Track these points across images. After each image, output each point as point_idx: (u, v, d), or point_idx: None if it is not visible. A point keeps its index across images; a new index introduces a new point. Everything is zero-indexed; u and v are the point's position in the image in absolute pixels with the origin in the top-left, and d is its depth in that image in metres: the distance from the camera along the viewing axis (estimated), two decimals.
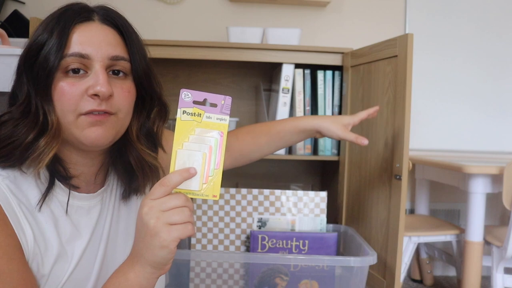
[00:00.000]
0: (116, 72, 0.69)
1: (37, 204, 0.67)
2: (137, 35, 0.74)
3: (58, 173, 0.70)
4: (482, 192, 1.73)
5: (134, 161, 0.76)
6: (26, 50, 0.68)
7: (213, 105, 0.65)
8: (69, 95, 0.65)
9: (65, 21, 0.66)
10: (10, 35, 1.43)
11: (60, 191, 0.70)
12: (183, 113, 0.63)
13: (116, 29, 0.71)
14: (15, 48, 1.22)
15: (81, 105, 0.65)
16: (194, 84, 2.03)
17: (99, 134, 0.67)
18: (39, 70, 0.65)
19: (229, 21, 2.09)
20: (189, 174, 0.61)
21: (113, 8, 0.73)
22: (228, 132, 0.90)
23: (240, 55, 1.69)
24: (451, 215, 2.28)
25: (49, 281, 0.68)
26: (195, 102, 0.64)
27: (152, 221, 0.59)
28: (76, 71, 0.66)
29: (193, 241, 1.35)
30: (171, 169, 0.62)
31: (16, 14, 1.85)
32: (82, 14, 0.68)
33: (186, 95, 0.63)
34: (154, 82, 0.76)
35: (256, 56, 1.69)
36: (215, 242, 1.35)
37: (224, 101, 0.65)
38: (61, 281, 0.69)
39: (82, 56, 0.65)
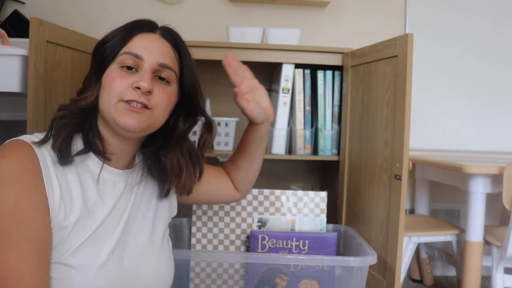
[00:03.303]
0: (161, 78, 0.81)
1: (73, 154, 0.76)
2: (190, 53, 0.88)
3: (95, 146, 0.80)
4: (482, 192, 1.72)
5: (170, 163, 0.88)
6: (96, 46, 0.82)
7: None
8: (118, 83, 0.77)
9: (132, 28, 0.82)
10: (10, 35, 1.42)
11: (92, 161, 0.80)
12: None
13: (172, 44, 0.84)
14: (15, 48, 1.22)
15: (124, 92, 0.77)
16: None
17: (133, 122, 0.76)
18: (99, 58, 0.80)
19: (229, 21, 2.09)
20: None
21: (174, 29, 0.87)
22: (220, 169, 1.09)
23: (240, 55, 1.69)
24: (451, 215, 2.28)
25: (69, 238, 0.73)
26: None
27: None
28: (129, 68, 0.78)
29: (193, 241, 1.35)
30: None
31: (16, 14, 1.85)
32: (147, 26, 0.83)
33: None
34: (199, 95, 0.90)
35: (256, 56, 1.69)
36: (215, 242, 1.35)
37: None
38: (79, 240, 0.74)
39: (136, 56, 0.78)
